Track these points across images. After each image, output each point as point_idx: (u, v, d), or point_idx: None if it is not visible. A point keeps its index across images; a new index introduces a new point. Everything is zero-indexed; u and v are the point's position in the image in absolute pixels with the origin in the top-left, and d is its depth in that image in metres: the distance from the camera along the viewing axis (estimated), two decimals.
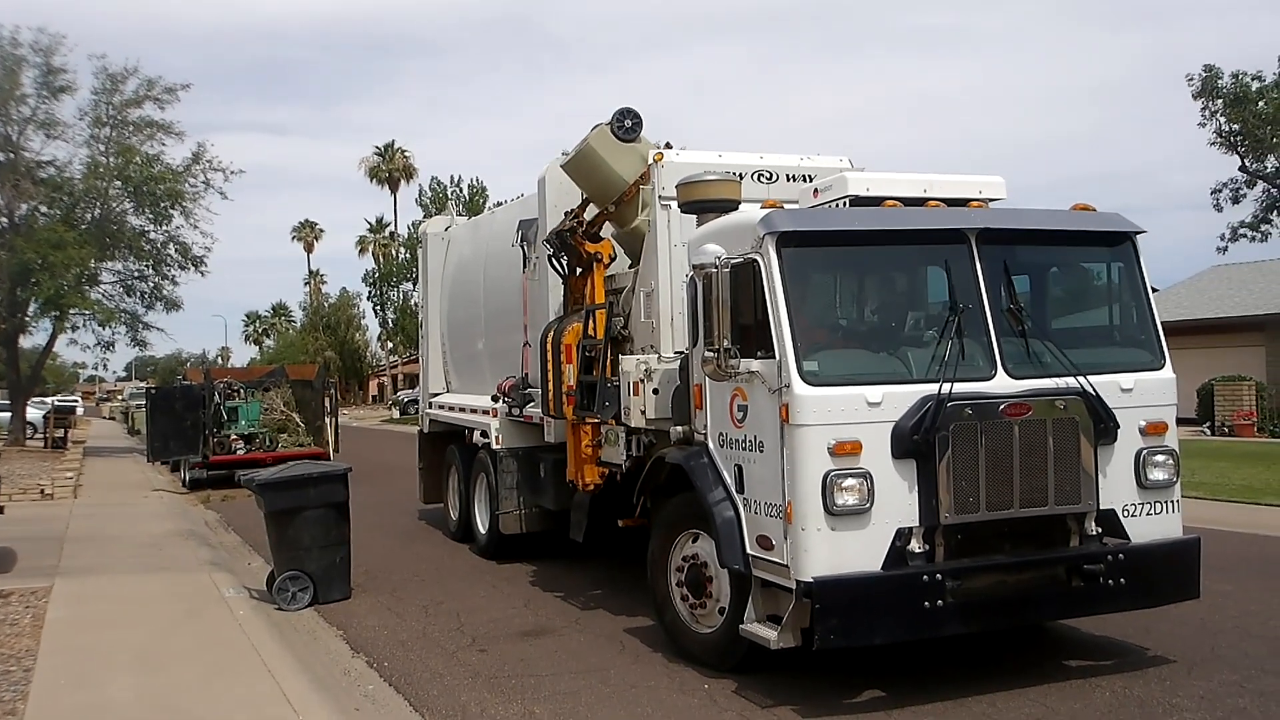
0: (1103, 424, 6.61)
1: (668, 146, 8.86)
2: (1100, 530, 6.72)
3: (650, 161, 8.65)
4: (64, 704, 6.46)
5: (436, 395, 14.14)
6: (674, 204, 8.07)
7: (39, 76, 29.61)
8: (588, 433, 9.03)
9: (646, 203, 8.88)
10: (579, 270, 9.41)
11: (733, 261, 6.51)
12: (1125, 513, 6.78)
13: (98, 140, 30.65)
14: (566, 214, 9.37)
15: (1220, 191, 34.26)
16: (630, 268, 9.33)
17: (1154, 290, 7.35)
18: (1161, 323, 7.29)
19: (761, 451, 6.48)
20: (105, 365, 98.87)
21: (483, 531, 11.89)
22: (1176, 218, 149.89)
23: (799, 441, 6.13)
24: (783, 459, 6.24)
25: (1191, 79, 32.46)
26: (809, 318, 6.56)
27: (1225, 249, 35.41)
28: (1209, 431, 27.12)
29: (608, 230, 9.35)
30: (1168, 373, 7.06)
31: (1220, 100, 32.04)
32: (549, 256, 9.68)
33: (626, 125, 8.84)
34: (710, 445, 7.04)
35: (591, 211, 9.26)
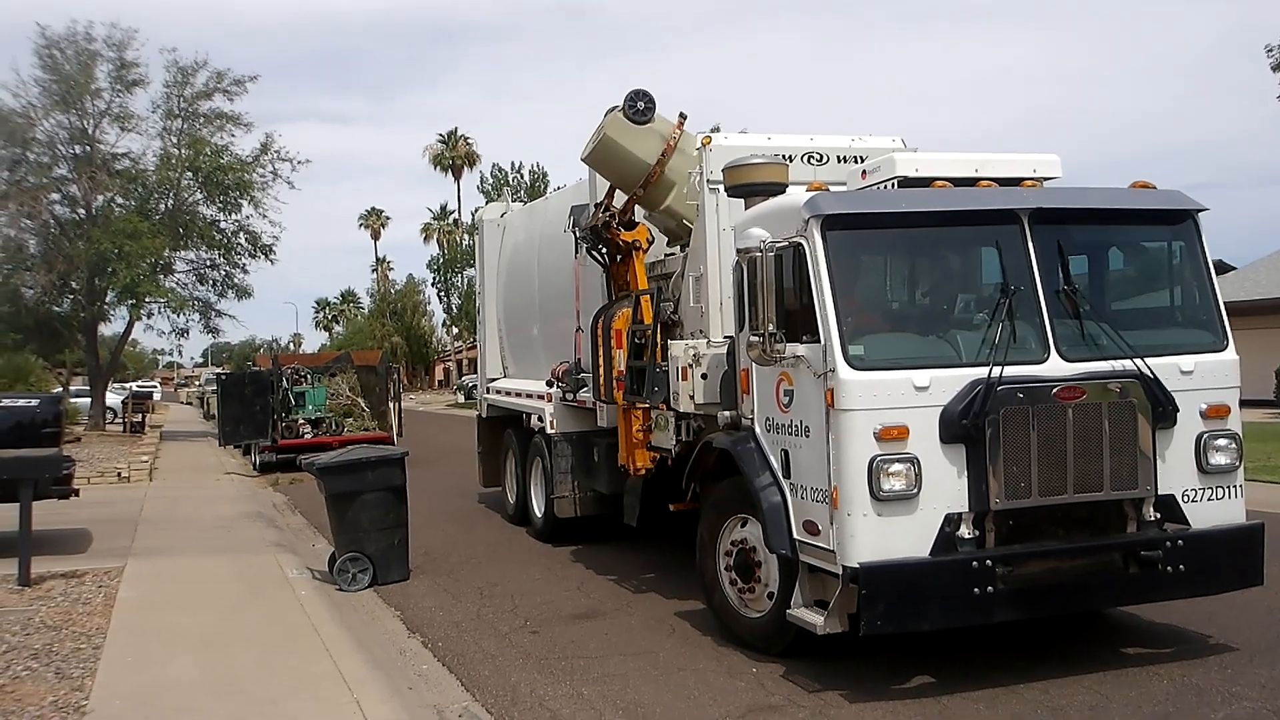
0: (1161, 407, 6.44)
1: (715, 130, 8.81)
2: (1159, 516, 6.56)
3: (671, 139, 8.59)
4: (129, 682, 6.68)
5: (494, 380, 14.29)
6: (722, 188, 8.03)
7: (112, 71, 30.42)
8: (638, 418, 9.06)
9: (675, 182, 8.84)
10: (618, 258, 9.43)
11: (777, 245, 6.47)
12: (1185, 498, 6.61)
13: (169, 132, 31.46)
14: (596, 206, 9.38)
15: None
16: (669, 246, 9.31)
17: (1231, 269, 7.15)
18: (1234, 302, 7.08)
19: (807, 436, 6.45)
20: (181, 351, 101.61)
21: (539, 515, 12.01)
22: (1257, 193, 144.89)
23: (844, 426, 6.08)
24: (828, 444, 6.20)
25: (1271, 50, 31.29)
26: (855, 301, 6.51)
27: None
28: None
29: (641, 214, 9.33)
30: (1230, 354, 6.85)
31: None
32: (586, 249, 9.72)
33: (640, 108, 8.78)
34: (757, 430, 7.02)
35: (620, 199, 9.25)
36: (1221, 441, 6.69)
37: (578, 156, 9.44)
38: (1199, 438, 6.64)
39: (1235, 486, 6.75)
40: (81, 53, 29.91)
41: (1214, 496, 6.69)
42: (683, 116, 8.97)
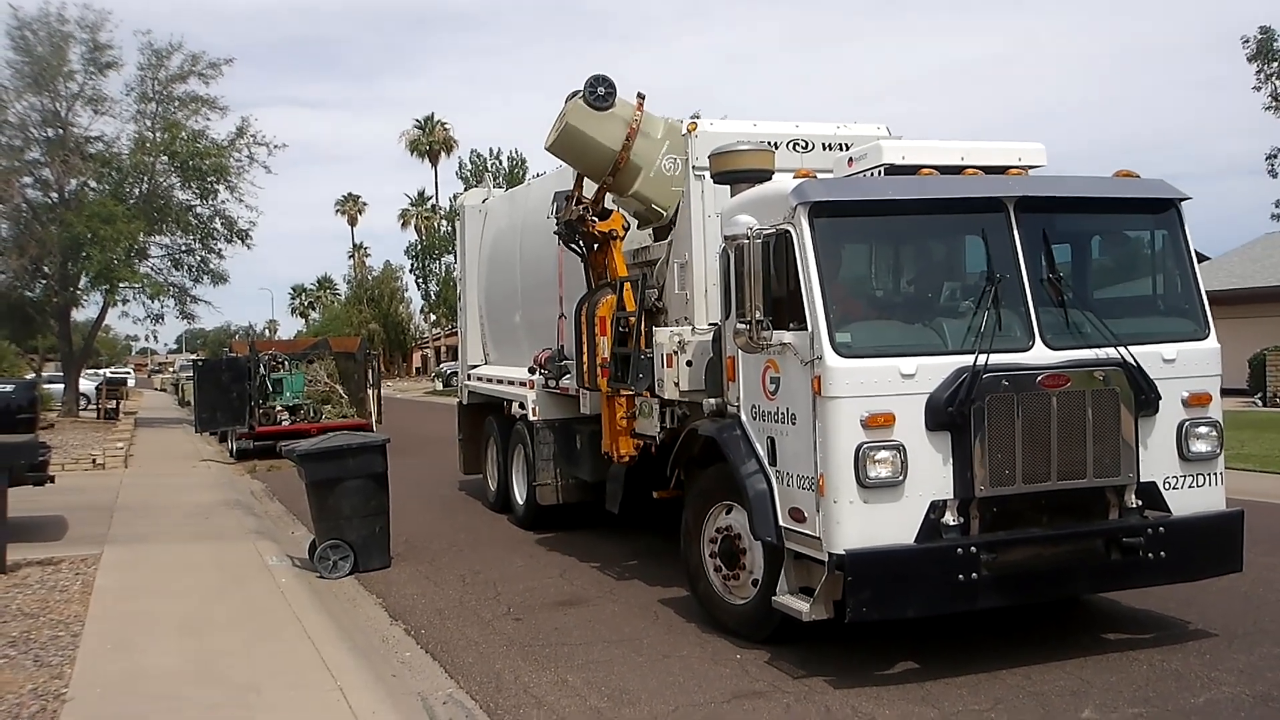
0: (1144, 395, 6.48)
1: (697, 117, 8.77)
2: (1140, 503, 6.60)
3: (634, 122, 8.58)
4: (109, 669, 6.62)
5: (475, 367, 14.22)
6: (708, 174, 8.00)
7: (86, 53, 30.03)
8: (622, 405, 9.04)
9: (641, 166, 8.79)
10: (595, 247, 9.40)
11: (765, 232, 6.44)
12: (1166, 485, 6.66)
13: (144, 116, 31.10)
14: (566, 199, 9.33)
15: (1275, 157, 33.25)
16: (639, 229, 9.29)
17: (1205, 259, 7.21)
18: (1208, 292, 7.12)
19: (794, 424, 6.45)
20: (156, 337, 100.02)
21: (520, 502, 11.99)
22: (1230, 184, 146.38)
23: (831, 414, 6.09)
24: (815, 431, 6.20)
25: (1247, 41, 31.53)
26: (842, 289, 6.50)
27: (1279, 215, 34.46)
28: (1260, 402, 26.52)
29: (610, 199, 9.29)
30: (1212, 343, 6.90)
31: (1276, 63, 31.06)
32: (563, 243, 9.67)
33: (600, 93, 8.71)
34: (743, 417, 7.01)
35: (590, 188, 9.21)
36: (1203, 429, 6.74)
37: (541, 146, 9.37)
38: (1180, 425, 6.69)
39: (1216, 474, 6.81)
40: (54, 34, 29.51)
41: (1195, 484, 6.74)
42: (641, 97, 8.91)
